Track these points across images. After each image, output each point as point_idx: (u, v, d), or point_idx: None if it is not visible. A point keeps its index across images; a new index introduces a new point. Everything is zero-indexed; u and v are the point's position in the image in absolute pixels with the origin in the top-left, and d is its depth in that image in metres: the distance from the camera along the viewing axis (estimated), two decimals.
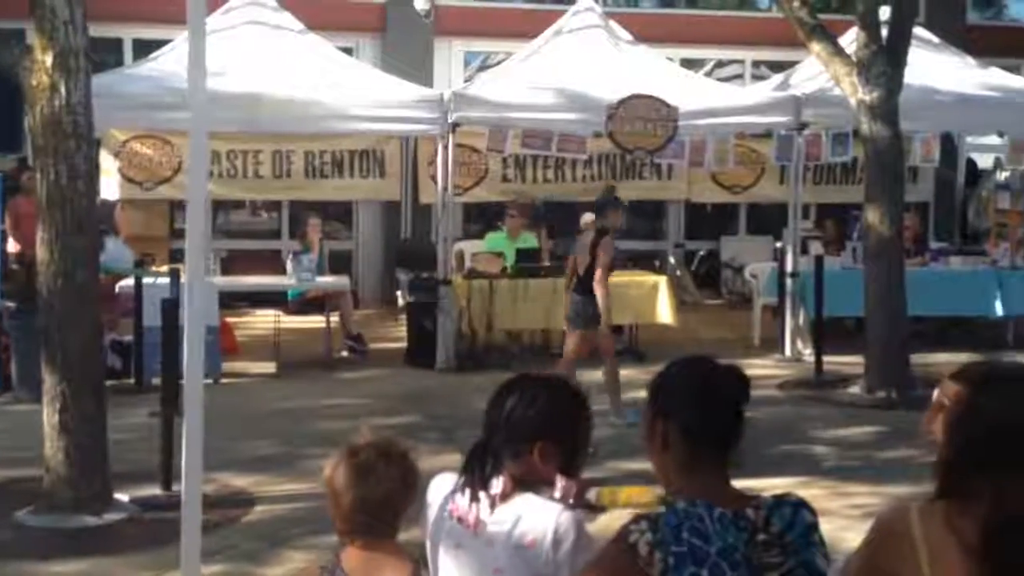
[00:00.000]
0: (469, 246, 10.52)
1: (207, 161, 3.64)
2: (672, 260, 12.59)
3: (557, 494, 2.39)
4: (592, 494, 2.58)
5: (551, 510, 2.22)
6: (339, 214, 12.50)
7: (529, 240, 9.99)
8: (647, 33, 11.05)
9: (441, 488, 2.37)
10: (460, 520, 2.26)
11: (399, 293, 10.81)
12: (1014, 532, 2.05)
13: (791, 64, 11.20)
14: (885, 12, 8.52)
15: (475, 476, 2.26)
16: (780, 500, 2.13)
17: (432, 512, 2.33)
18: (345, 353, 9.35)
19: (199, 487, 2.70)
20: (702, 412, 2.11)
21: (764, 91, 10.71)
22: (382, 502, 2.26)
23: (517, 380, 2.42)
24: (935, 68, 10.29)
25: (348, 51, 11.04)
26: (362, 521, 2.26)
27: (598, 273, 7.03)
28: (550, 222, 11.13)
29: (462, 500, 2.27)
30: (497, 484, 2.26)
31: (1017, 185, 10.71)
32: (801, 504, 2.15)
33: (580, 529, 2.23)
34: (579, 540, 2.20)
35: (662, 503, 2.15)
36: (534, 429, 2.29)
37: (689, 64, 11.97)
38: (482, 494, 2.25)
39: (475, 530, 2.24)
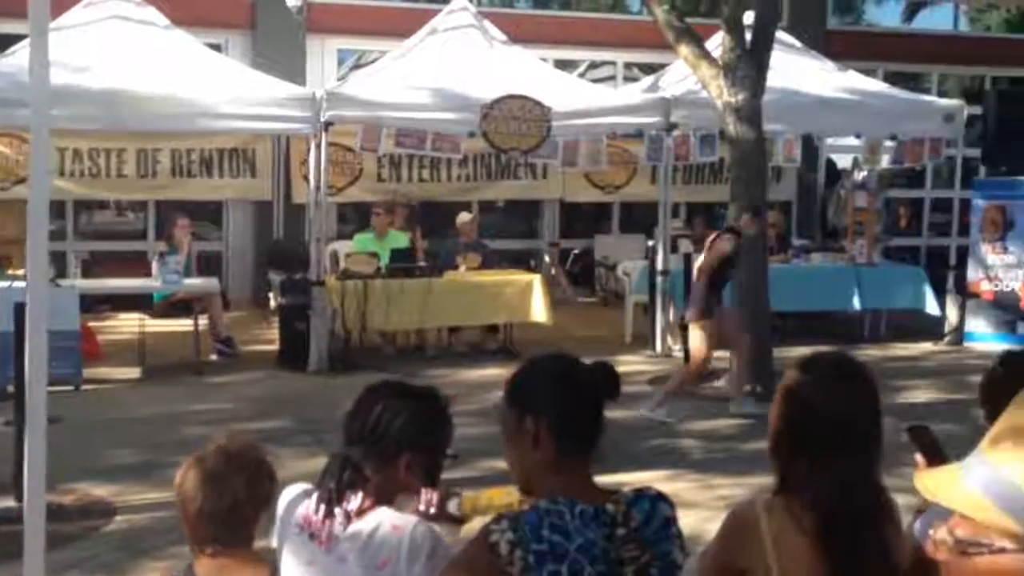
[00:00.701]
0: (343, 246, 10.42)
1: (50, 160, 3.49)
2: (547, 259, 12.72)
3: (421, 507, 2.37)
4: (454, 503, 2.55)
5: (406, 525, 2.18)
6: (209, 214, 12.22)
7: (400, 239, 9.95)
8: (521, 34, 11.13)
9: (291, 499, 2.31)
10: (313, 536, 2.20)
11: (271, 295, 10.64)
12: (840, 514, 2.14)
13: (662, 66, 11.43)
14: (749, 17, 8.76)
15: (331, 490, 2.20)
16: (639, 494, 2.16)
17: (278, 525, 2.27)
18: (214, 357, 9.13)
19: (42, 500, 2.58)
20: (574, 409, 2.12)
21: (635, 93, 10.92)
22: (229, 510, 2.20)
23: (379, 388, 2.37)
24: (797, 71, 10.64)
25: (217, 48, 10.80)
26: (211, 529, 2.20)
27: (696, 267, 7.53)
28: (425, 222, 11.11)
29: (316, 515, 2.20)
30: (355, 498, 2.21)
31: (873, 184, 11.17)
32: (659, 498, 2.18)
33: (435, 542, 2.19)
34: (434, 553, 2.16)
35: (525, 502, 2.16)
36: (399, 441, 2.25)
37: (563, 65, 12.10)
38: (337, 509, 2.19)
39: (327, 547, 2.18)
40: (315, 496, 2.22)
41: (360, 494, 2.21)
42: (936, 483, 1.31)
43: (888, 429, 2.19)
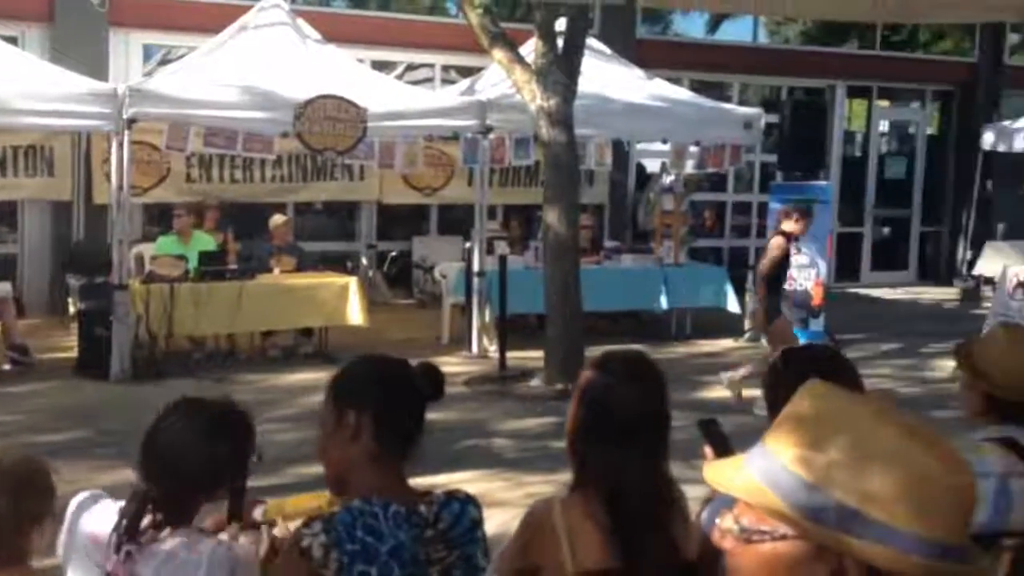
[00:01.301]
0: (149, 249, 10.01)
1: None
2: (364, 261, 12.61)
3: (220, 530, 2.32)
4: (259, 511, 2.51)
5: (205, 547, 2.14)
6: (2, 216, 11.52)
7: (207, 242, 9.65)
8: (337, 33, 10.99)
9: (79, 505, 2.22)
10: (107, 558, 2.13)
11: (70, 300, 10.12)
12: (630, 508, 2.21)
13: (479, 70, 11.52)
14: (563, 24, 8.95)
15: (128, 523, 2.14)
16: (451, 496, 2.18)
17: (64, 535, 2.18)
18: (8, 366, 8.61)
19: None
20: (396, 405, 2.12)
21: (452, 95, 10.96)
22: None
23: (177, 410, 2.31)
24: (607, 78, 10.94)
25: (12, 41, 10.20)
26: None
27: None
28: (237, 224, 10.82)
29: (111, 548, 2.14)
30: (152, 520, 2.15)
31: (680, 188, 11.60)
32: (469, 500, 2.21)
33: (235, 563, 2.15)
34: (234, 575, 2.14)
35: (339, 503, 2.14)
36: (195, 477, 2.21)
37: (380, 66, 12.02)
38: (132, 542, 2.13)
39: (123, 571, 2.12)
40: (113, 529, 2.14)
41: (159, 515, 2.15)
42: (721, 473, 1.34)
43: None
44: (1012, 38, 16.49)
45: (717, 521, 1.31)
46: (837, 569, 1.20)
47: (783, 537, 1.22)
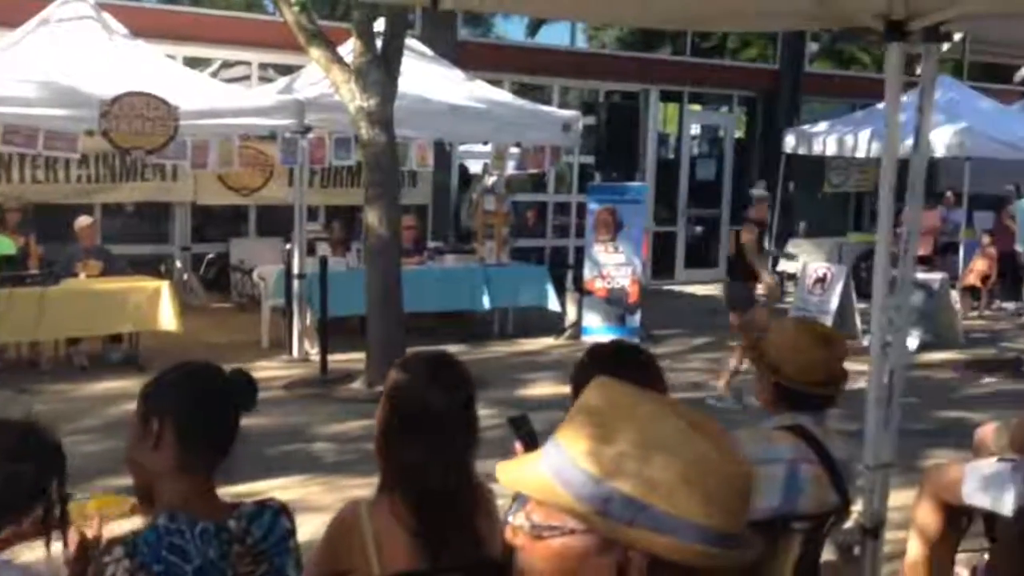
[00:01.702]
0: None
1: None
2: (179, 264, 12.21)
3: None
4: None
5: None
6: None
7: (7, 246, 9.11)
8: (147, 29, 10.61)
9: None
10: None
11: None
12: (434, 508, 2.23)
13: (298, 68, 11.34)
14: (382, 24, 8.90)
15: None
16: (262, 507, 2.14)
17: None
18: None
19: None
20: (199, 411, 2.06)
21: (269, 94, 10.74)
22: None
23: None
24: (429, 79, 10.97)
25: None
26: None
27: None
28: (40, 226, 10.26)
29: None
30: None
31: (501, 189, 11.75)
32: (281, 511, 2.17)
33: None
34: None
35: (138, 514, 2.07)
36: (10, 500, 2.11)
37: (194, 63, 11.67)
38: None
39: None
40: None
41: None
42: (512, 471, 1.36)
43: None
44: (811, 47, 17.47)
45: (510, 519, 1.33)
46: (622, 560, 1.23)
47: (571, 532, 1.24)
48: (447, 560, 2.23)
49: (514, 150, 11.30)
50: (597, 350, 2.85)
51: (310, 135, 9.85)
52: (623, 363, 2.65)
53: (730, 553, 1.24)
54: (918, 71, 3.27)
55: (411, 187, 12.93)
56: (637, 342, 7.39)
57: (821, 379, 2.97)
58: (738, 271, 8.76)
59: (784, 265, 15.19)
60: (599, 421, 1.28)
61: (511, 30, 15.61)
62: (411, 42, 10.74)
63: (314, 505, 5.16)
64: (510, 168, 11.57)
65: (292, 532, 2.17)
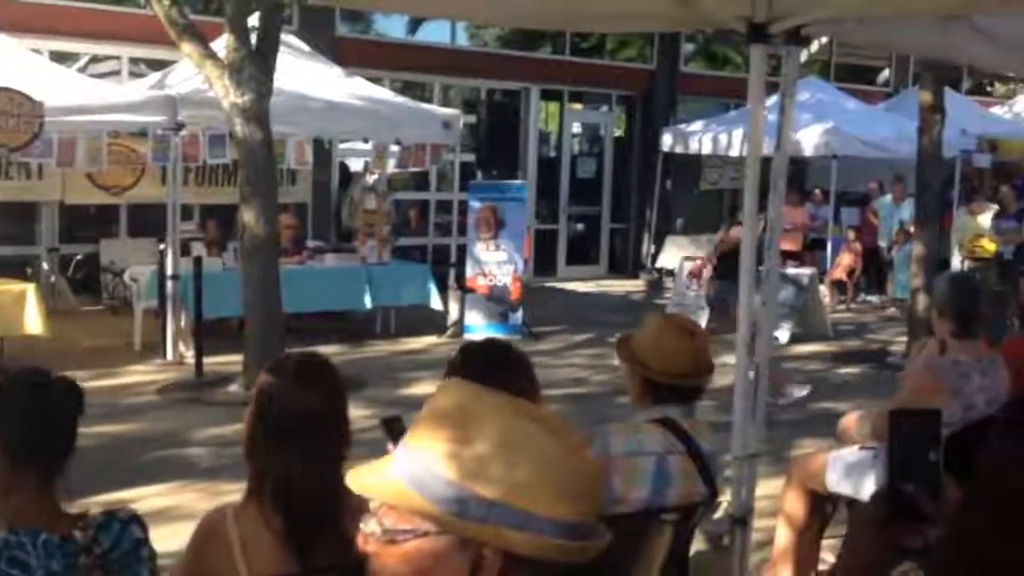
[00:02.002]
0: None
1: None
2: (46, 266, 11.75)
3: None
4: None
5: None
6: None
7: None
8: (11, 22, 10.23)
9: None
10: None
11: None
12: (302, 512, 2.21)
13: (171, 63, 11.04)
14: (257, 19, 8.74)
15: None
16: (110, 517, 2.08)
17: None
18: None
19: None
20: (28, 428, 1.99)
21: (140, 89, 10.43)
22: None
23: None
24: (306, 76, 10.81)
25: None
26: None
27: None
28: None
29: None
30: None
31: (383, 187, 11.67)
32: (132, 520, 2.12)
33: None
34: None
35: None
36: None
37: (61, 58, 11.26)
38: None
39: None
40: None
41: None
42: (365, 477, 1.36)
43: None
44: (687, 48, 17.85)
45: (361, 526, 1.32)
46: (476, 559, 1.25)
47: (425, 534, 1.25)
48: (317, 563, 2.21)
49: (394, 148, 11.23)
50: (469, 349, 2.87)
51: (183, 132, 9.60)
52: (495, 361, 2.67)
53: (583, 544, 1.26)
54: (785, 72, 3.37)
55: (290, 185, 12.72)
56: (509, 340, 7.47)
57: (685, 372, 3.04)
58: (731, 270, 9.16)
59: (662, 261, 15.53)
60: (453, 423, 1.29)
61: (391, 27, 15.49)
62: (288, 38, 10.57)
63: (189, 512, 5.02)
64: (391, 166, 11.50)
65: (144, 541, 2.12)
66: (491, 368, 2.55)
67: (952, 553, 1.31)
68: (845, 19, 3.34)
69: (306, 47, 11.48)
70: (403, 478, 1.27)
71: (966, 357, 3.99)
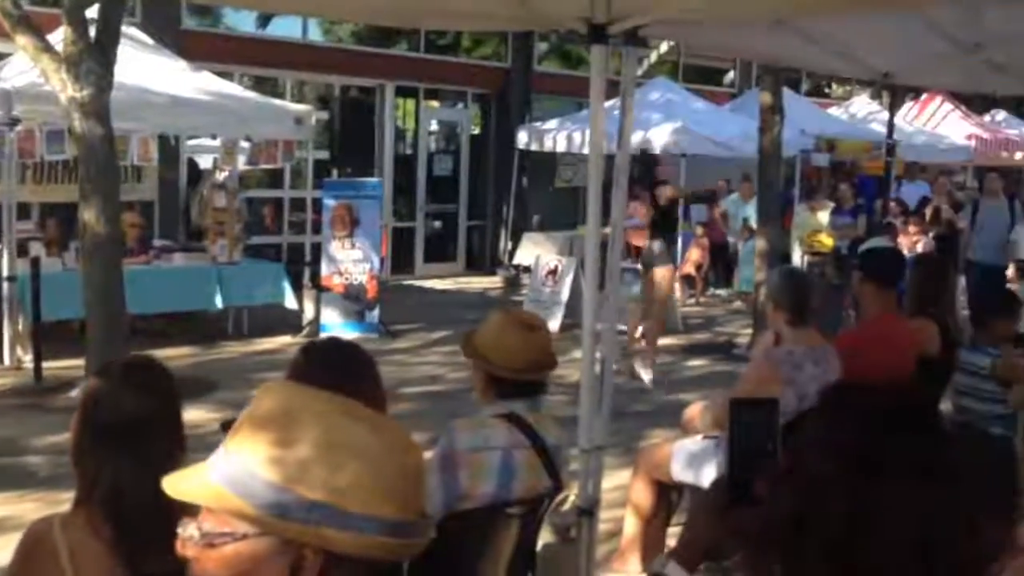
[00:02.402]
0: None
1: None
2: None
3: None
4: None
5: None
6: None
7: None
8: None
9: None
10: None
11: None
12: (131, 518, 2.15)
13: (5, 56, 10.53)
14: (96, 11, 8.42)
15: None
16: None
17: None
18: None
19: None
20: None
21: None
22: None
23: None
24: (150, 70, 10.46)
25: None
26: None
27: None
28: None
29: None
30: None
31: (234, 184, 11.41)
32: None
33: None
34: None
35: None
36: None
37: None
38: None
39: None
40: None
41: None
42: (182, 482, 1.33)
43: None
44: (540, 47, 18.06)
45: (179, 531, 1.30)
46: (297, 559, 1.24)
47: (244, 537, 1.24)
48: (148, 571, 2.15)
49: (245, 144, 10.99)
50: (311, 349, 2.83)
51: (18, 127, 9.18)
52: (337, 361, 2.65)
53: (408, 542, 1.27)
54: (639, 72, 3.45)
55: (135, 183, 12.32)
56: (354, 340, 7.46)
57: (527, 366, 3.08)
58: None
59: (519, 258, 15.67)
60: (274, 426, 1.28)
61: (240, 21, 15.13)
62: (129, 30, 10.23)
63: (28, 522, 4.79)
64: (241, 163, 11.25)
65: None
66: (333, 368, 2.53)
67: (762, 538, 1.36)
68: (682, 22, 3.44)
69: (149, 40, 11.12)
70: (221, 481, 1.26)
71: (799, 347, 4.17)
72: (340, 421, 1.28)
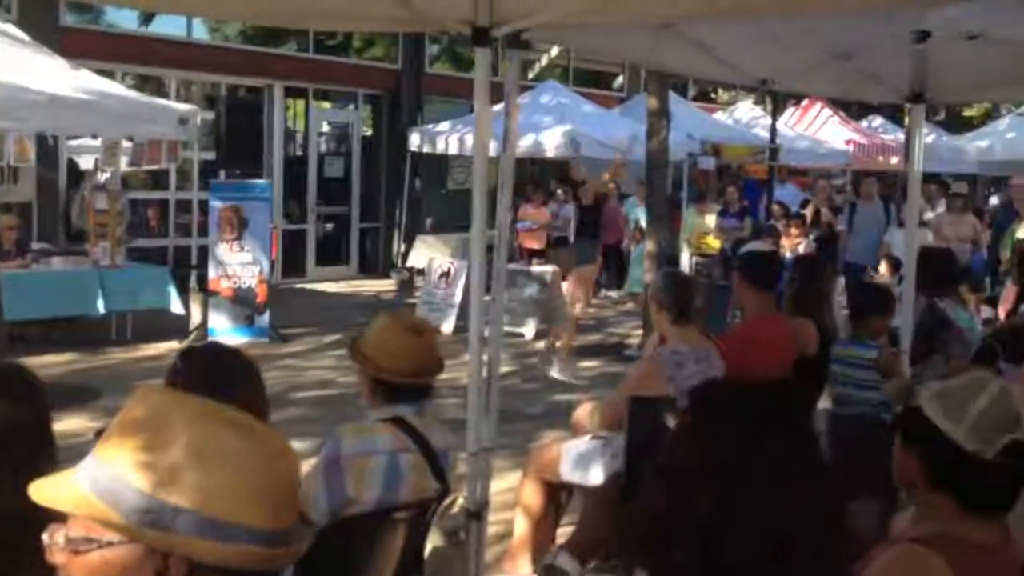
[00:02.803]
0: None
1: None
2: None
3: None
4: None
5: None
6: None
7: None
8: None
9: None
10: None
11: None
12: None
13: None
14: None
15: None
16: None
17: None
18: None
19: None
20: None
21: None
22: None
23: None
24: (26, 67, 10.08)
25: None
26: None
27: None
28: None
29: None
30: None
31: (116, 186, 11.08)
32: None
33: None
34: None
35: None
36: None
37: None
38: None
39: None
40: None
41: None
42: (47, 488, 1.31)
43: None
44: (432, 49, 18.02)
45: (44, 537, 1.29)
46: (162, 568, 1.23)
47: (110, 544, 1.23)
48: None
49: (127, 144, 10.68)
50: (190, 354, 2.78)
51: None
52: (217, 367, 2.60)
53: (277, 551, 1.25)
54: (530, 75, 3.47)
55: (11, 184, 11.89)
56: (235, 346, 7.35)
57: (413, 369, 3.07)
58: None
59: (412, 260, 15.61)
60: (144, 432, 1.27)
61: (122, 18, 14.71)
62: (6, 27, 9.87)
63: None
64: (123, 164, 10.93)
65: None
66: (211, 373, 2.48)
67: (636, 533, 1.39)
68: (566, 26, 3.47)
69: (26, 37, 10.72)
70: (88, 487, 1.24)
71: (683, 347, 4.26)
72: (211, 427, 1.27)
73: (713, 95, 24.13)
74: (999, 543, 1.97)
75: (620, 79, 21.39)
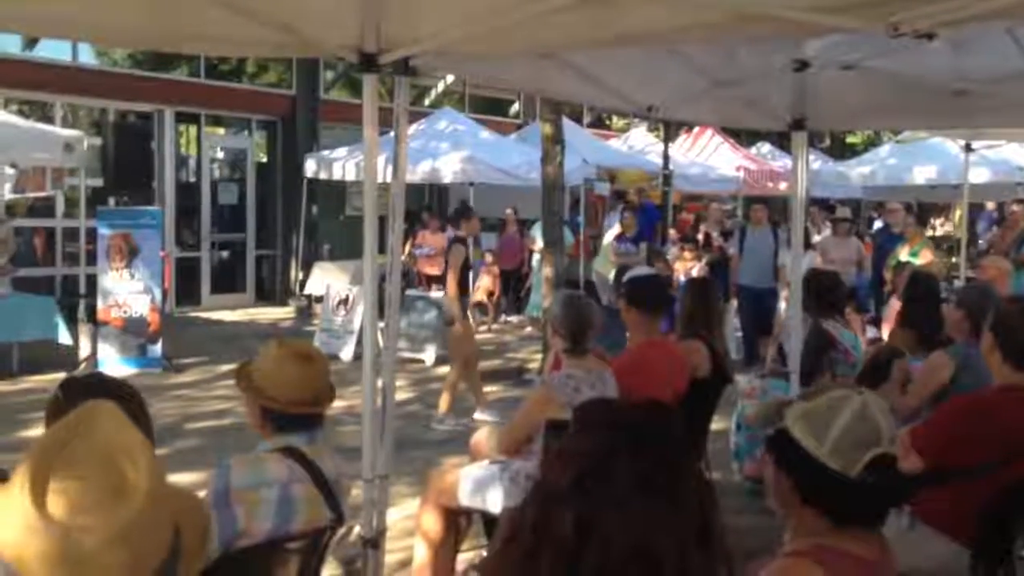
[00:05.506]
0: None
1: None
2: None
3: None
4: None
5: None
6: None
7: None
8: None
9: None
10: None
11: None
12: None
13: None
14: None
15: None
16: None
17: None
18: None
19: None
20: None
21: None
22: None
23: None
24: None
25: None
26: None
27: (448, 277, 8.57)
28: None
29: None
30: None
31: None
32: None
33: None
34: None
35: None
36: None
37: None
38: None
39: None
40: None
41: None
42: None
43: None
44: (327, 75, 17.91)
45: None
46: None
47: None
48: None
49: (10, 171, 10.36)
50: (70, 384, 2.70)
51: None
52: (96, 397, 2.52)
53: None
54: (426, 102, 3.48)
55: None
56: (132, 375, 7.19)
57: (304, 398, 3.03)
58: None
59: (310, 287, 15.43)
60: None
61: (6, 41, 14.26)
62: None
63: None
64: (7, 191, 10.59)
65: None
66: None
67: (516, 549, 1.40)
68: (453, 52, 3.50)
69: None
70: None
71: (578, 371, 4.30)
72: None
73: (608, 122, 24.51)
74: (877, 557, 2.03)
75: (516, 106, 21.57)
